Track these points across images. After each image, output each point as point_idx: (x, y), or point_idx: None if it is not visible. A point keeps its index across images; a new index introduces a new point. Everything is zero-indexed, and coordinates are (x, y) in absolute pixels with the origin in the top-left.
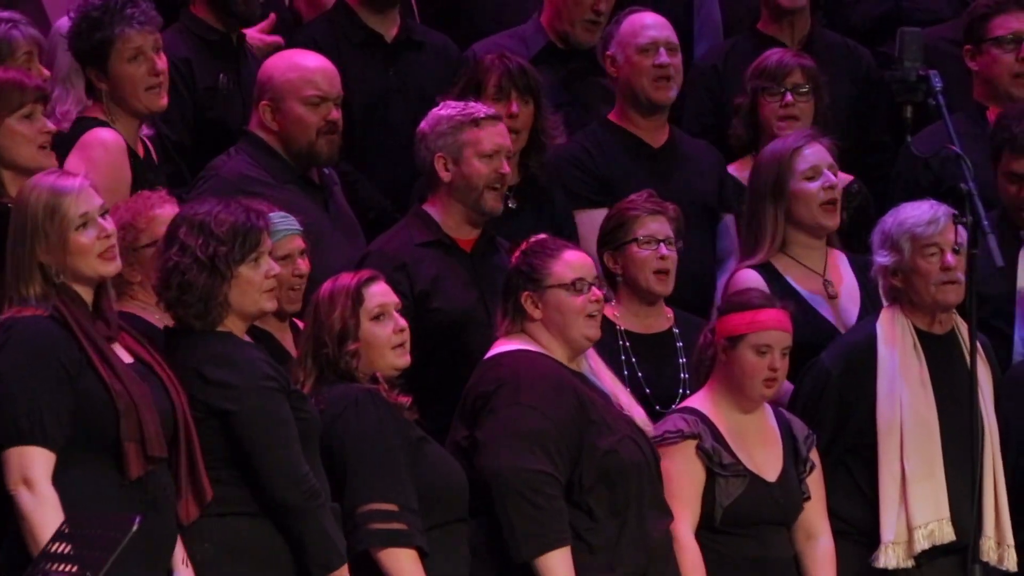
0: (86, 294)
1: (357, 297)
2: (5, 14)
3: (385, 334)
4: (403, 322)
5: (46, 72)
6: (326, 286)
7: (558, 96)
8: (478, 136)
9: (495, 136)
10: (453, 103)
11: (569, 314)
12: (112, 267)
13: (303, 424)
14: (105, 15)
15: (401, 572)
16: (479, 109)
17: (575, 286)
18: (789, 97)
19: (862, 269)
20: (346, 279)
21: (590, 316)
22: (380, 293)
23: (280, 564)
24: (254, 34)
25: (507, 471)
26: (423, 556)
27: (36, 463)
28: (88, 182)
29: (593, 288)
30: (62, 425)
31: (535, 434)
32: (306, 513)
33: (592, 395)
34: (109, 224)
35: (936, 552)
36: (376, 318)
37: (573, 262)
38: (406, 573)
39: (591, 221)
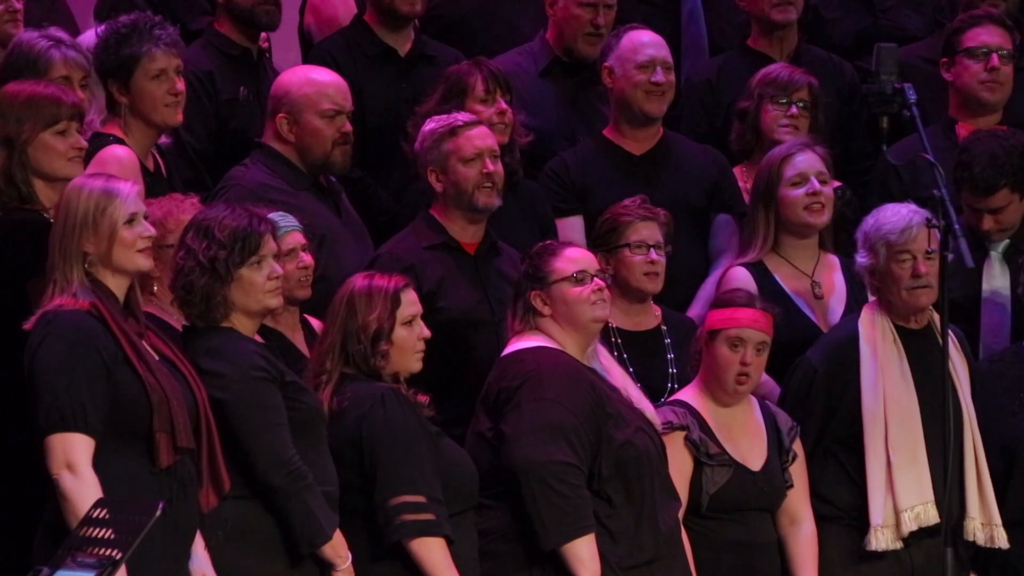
0: (119, 291)
1: (396, 301)
2: (55, 33)
3: (412, 340)
4: (427, 331)
5: (82, 95)
6: (360, 284)
7: (565, 106)
8: (458, 144)
9: (474, 140)
10: (437, 117)
11: (575, 304)
12: (147, 263)
13: (300, 413)
14: (134, 33)
15: (433, 560)
16: (457, 118)
17: (576, 277)
18: (795, 110)
19: (851, 273)
20: (383, 281)
21: (594, 303)
22: (413, 301)
23: (270, 542)
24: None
25: (534, 463)
26: (450, 543)
27: (78, 448)
28: (138, 188)
29: (595, 278)
30: (101, 414)
31: (559, 427)
32: (291, 494)
33: (607, 389)
34: (150, 229)
35: (922, 534)
36: (407, 323)
37: (574, 257)
38: (437, 560)
39: (564, 228)
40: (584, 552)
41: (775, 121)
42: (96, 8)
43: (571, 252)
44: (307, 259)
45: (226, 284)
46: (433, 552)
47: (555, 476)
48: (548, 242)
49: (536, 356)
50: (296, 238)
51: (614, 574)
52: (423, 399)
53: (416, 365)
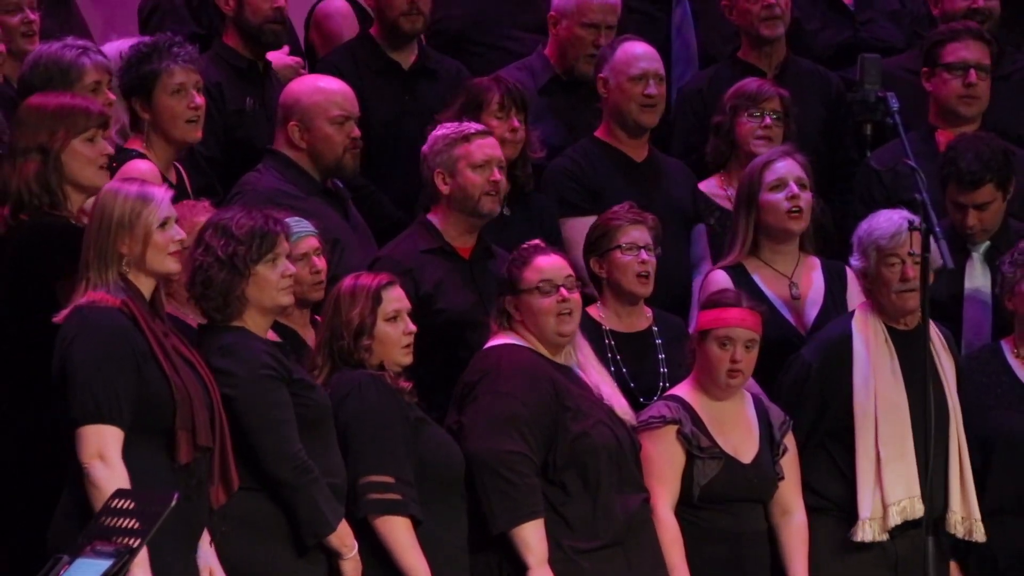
0: (145, 291)
1: (376, 298)
2: (79, 41)
3: (396, 334)
4: (412, 327)
5: (112, 97)
6: (347, 283)
7: (562, 121)
8: (469, 150)
9: (485, 148)
10: (448, 124)
11: (539, 314)
12: (176, 267)
13: (308, 410)
14: (154, 52)
15: (395, 537)
16: (470, 126)
17: (540, 288)
18: (768, 120)
19: (831, 274)
20: (367, 280)
21: (560, 315)
22: (396, 298)
23: (278, 532)
24: (277, 57)
25: (484, 452)
26: (416, 524)
27: (110, 440)
28: (171, 193)
29: (561, 289)
30: (131, 408)
31: (510, 418)
32: (297, 487)
33: (569, 385)
34: (181, 233)
35: (907, 525)
36: (391, 319)
37: (543, 267)
38: (399, 538)
39: (581, 228)
40: (531, 537)
41: (751, 133)
42: (140, 6)
43: (541, 261)
44: (320, 263)
45: (244, 279)
46: (397, 530)
47: (504, 464)
48: (526, 247)
49: (499, 352)
50: (311, 243)
51: (567, 557)
52: (406, 385)
53: (404, 359)
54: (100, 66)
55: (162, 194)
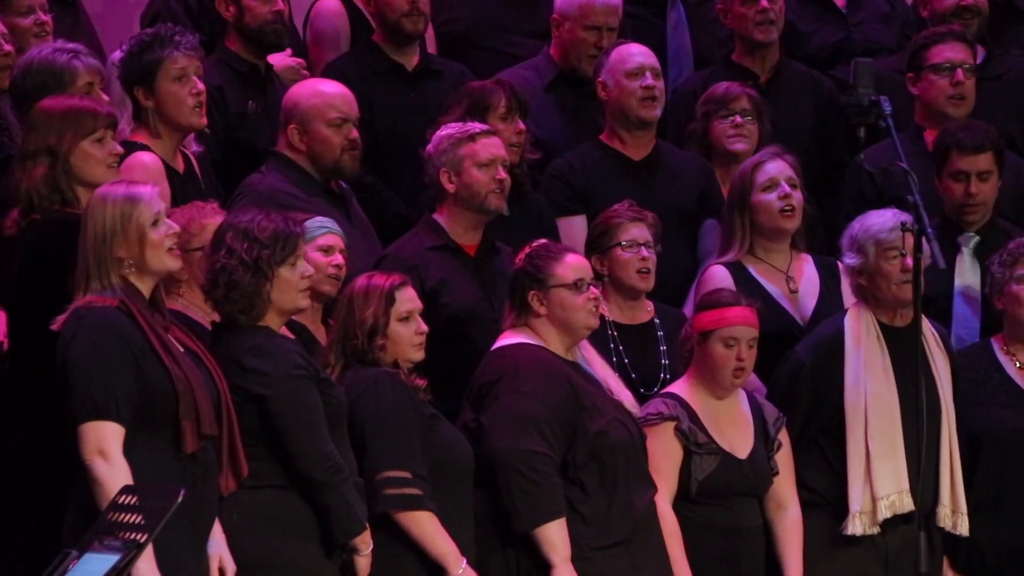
0: (145, 290)
1: (390, 299)
2: (69, 45)
3: (409, 334)
4: (424, 326)
5: (106, 98)
6: (360, 283)
7: (569, 117)
8: (475, 149)
9: (490, 147)
10: (452, 124)
11: (571, 310)
12: (176, 263)
13: (331, 408)
14: (156, 40)
15: (423, 529)
16: (474, 126)
17: (576, 285)
18: (738, 119)
19: (824, 269)
20: (380, 280)
21: (590, 311)
22: (409, 298)
23: (307, 530)
24: (279, 59)
25: (507, 451)
26: None
27: (110, 436)
28: (157, 189)
29: (591, 287)
30: (130, 403)
31: (532, 418)
32: (329, 487)
33: (584, 383)
34: (173, 226)
35: (898, 520)
36: (403, 320)
37: (574, 264)
38: (426, 529)
39: (568, 227)
40: (554, 536)
41: (723, 133)
42: (142, 14)
43: (571, 259)
44: (340, 259)
45: (268, 281)
46: (422, 522)
47: (526, 464)
48: (548, 243)
49: (516, 352)
50: (335, 239)
51: (584, 555)
52: (420, 383)
53: (416, 355)
54: (91, 68)
55: (149, 191)
